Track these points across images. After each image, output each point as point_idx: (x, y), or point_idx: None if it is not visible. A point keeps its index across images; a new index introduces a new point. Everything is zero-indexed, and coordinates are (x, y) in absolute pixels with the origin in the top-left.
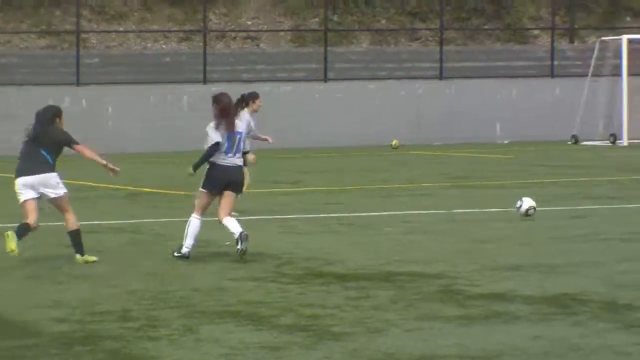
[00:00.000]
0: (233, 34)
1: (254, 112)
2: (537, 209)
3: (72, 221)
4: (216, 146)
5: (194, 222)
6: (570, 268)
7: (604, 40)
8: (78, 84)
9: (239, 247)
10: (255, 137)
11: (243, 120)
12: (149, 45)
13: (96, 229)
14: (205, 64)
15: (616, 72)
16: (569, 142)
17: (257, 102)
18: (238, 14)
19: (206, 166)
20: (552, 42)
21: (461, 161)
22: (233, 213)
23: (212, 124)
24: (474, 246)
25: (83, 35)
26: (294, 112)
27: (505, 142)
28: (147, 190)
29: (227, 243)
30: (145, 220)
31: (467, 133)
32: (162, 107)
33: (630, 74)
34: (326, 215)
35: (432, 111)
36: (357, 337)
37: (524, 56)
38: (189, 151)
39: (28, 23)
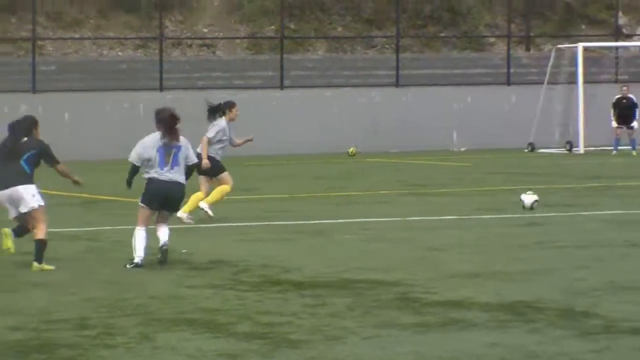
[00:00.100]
0: (189, 41)
1: (231, 120)
2: (492, 217)
3: (43, 231)
4: (134, 164)
5: (139, 234)
6: (526, 275)
7: (559, 48)
8: (34, 91)
9: (159, 257)
10: (235, 144)
11: (214, 128)
12: (105, 52)
13: (52, 237)
14: (161, 71)
15: (572, 80)
16: (526, 150)
17: (234, 110)
18: (194, 21)
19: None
20: (508, 49)
21: (418, 169)
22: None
23: (145, 138)
24: (431, 254)
25: (39, 42)
26: (251, 119)
27: (462, 149)
28: (104, 197)
29: (184, 251)
30: (102, 228)
31: (424, 141)
32: (119, 115)
33: (585, 82)
34: (283, 222)
35: (388, 119)
36: (315, 345)
37: (480, 64)
38: None
39: None
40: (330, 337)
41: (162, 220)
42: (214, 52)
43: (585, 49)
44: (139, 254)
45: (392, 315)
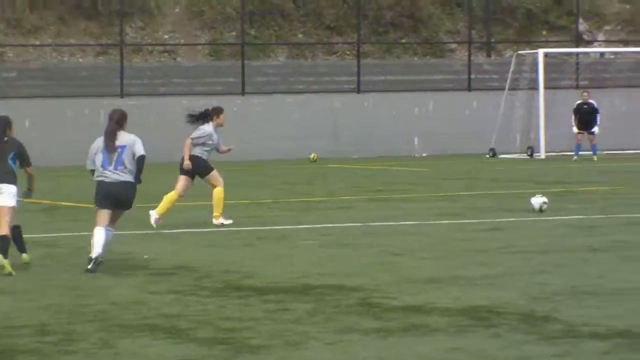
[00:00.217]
0: (150, 48)
1: (218, 125)
2: (453, 222)
3: (7, 228)
4: (91, 169)
5: (96, 232)
6: (487, 280)
7: (520, 54)
8: None
9: (89, 266)
10: (220, 151)
11: (198, 132)
12: (65, 59)
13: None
14: (122, 78)
15: (533, 86)
16: (487, 156)
17: (222, 116)
18: (155, 28)
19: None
20: (469, 55)
21: (379, 174)
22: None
23: (93, 143)
24: (392, 259)
25: (0, 49)
26: None
27: (423, 155)
28: (65, 204)
29: (146, 256)
30: (62, 234)
31: (385, 146)
32: (80, 121)
33: (546, 88)
34: (244, 228)
35: (350, 125)
36: (276, 350)
37: (441, 70)
38: None
39: None
40: (291, 342)
41: (112, 221)
42: (174, 59)
43: (546, 55)
44: (96, 250)
45: (353, 320)
